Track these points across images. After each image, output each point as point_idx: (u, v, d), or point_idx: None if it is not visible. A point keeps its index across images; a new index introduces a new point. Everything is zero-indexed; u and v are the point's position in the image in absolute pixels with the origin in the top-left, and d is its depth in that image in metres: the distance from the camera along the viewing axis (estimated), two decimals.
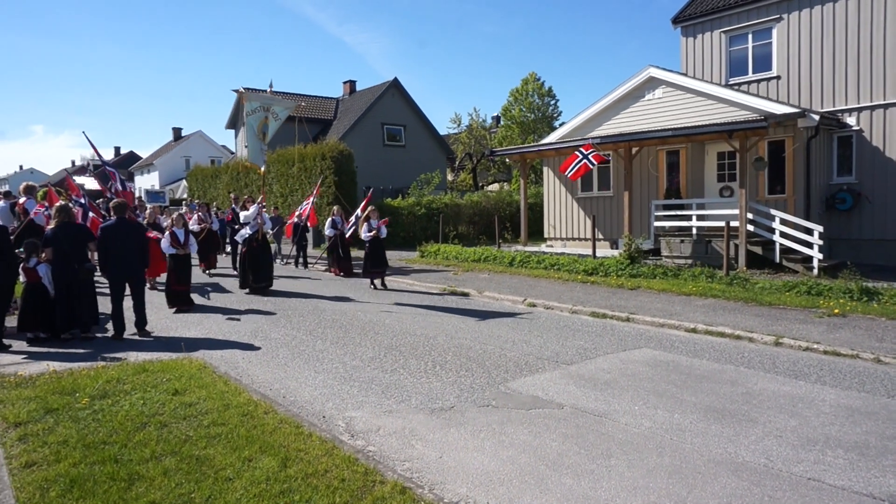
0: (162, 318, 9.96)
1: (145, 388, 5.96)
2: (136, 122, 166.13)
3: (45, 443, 4.66)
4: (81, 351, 7.81)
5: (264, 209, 13.30)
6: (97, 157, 13.10)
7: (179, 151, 58.14)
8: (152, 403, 5.53)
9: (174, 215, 11.28)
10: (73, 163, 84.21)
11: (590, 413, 5.44)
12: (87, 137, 12.87)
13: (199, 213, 16.05)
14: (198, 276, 14.51)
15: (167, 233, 10.69)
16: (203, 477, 4.08)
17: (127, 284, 8.61)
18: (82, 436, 4.77)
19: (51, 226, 8.45)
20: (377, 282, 13.33)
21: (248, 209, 12.97)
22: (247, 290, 12.40)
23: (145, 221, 12.52)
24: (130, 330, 8.68)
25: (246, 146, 13.45)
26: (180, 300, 10.66)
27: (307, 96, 36.00)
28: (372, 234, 12.92)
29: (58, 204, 8.99)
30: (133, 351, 7.75)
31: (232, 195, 17.58)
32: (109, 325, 8.75)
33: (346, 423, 5.24)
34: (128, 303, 8.63)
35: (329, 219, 15.58)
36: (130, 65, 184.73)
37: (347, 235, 14.86)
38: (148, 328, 8.78)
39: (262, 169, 12.57)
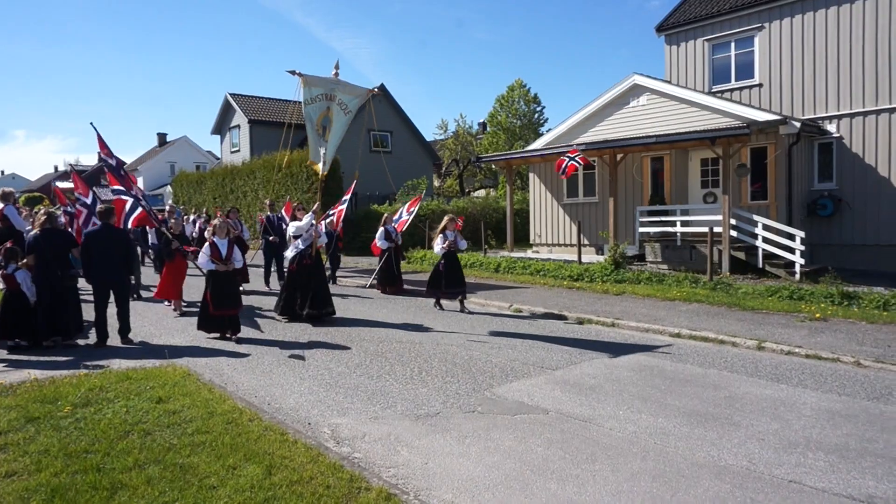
0: (146, 325, 9.87)
1: (128, 396, 5.91)
2: (120, 127, 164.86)
3: (25, 452, 4.60)
4: (64, 359, 7.72)
5: (321, 219, 11.29)
6: (106, 158, 10.42)
7: (164, 157, 57.68)
8: (136, 411, 5.48)
9: (215, 222, 9.36)
10: (55, 168, 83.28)
11: (575, 418, 5.47)
12: (95, 129, 10.15)
13: (229, 220, 13.12)
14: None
15: (206, 245, 8.82)
16: (187, 485, 4.05)
17: (111, 291, 8.52)
18: (64, 445, 4.72)
19: (33, 231, 8.37)
20: (444, 302, 11.32)
21: (298, 219, 10.75)
22: (286, 318, 10.10)
23: (171, 231, 10.75)
24: (114, 337, 8.59)
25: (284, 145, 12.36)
26: (222, 326, 8.76)
27: (293, 102, 35.89)
28: (446, 245, 10.78)
29: (41, 210, 8.92)
30: (116, 358, 7.68)
31: (267, 201, 15.17)
32: (93, 333, 8.66)
33: (332, 429, 5.23)
34: (112, 310, 8.55)
35: (381, 228, 13.26)
36: (114, 69, 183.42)
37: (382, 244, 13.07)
38: (131, 335, 8.70)
39: (322, 170, 9.89)
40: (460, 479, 4.25)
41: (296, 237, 10.02)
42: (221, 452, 4.54)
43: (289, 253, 10.10)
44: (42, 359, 7.71)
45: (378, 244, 13.23)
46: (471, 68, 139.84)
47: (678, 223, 15.32)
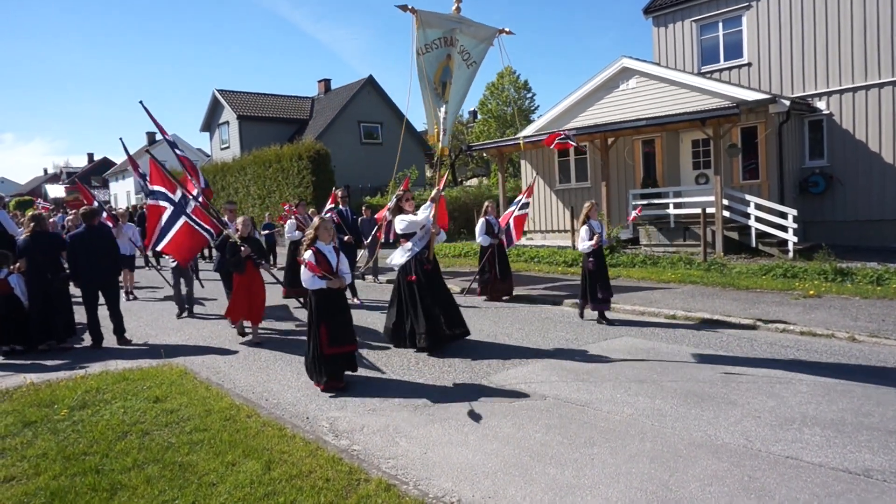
0: (141, 325, 9.84)
1: (125, 397, 5.89)
2: (109, 127, 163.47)
3: (23, 456, 4.59)
4: (59, 362, 7.70)
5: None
6: (164, 136, 8.81)
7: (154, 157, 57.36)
8: (133, 412, 5.47)
9: (317, 221, 6.34)
10: (45, 171, 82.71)
11: (572, 403, 5.48)
12: (145, 108, 8.45)
13: (298, 216, 11.37)
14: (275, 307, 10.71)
15: (308, 253, 6.04)
16: (186, 483, 4.05)
17: (100, 293, 8.47)
18: (62, 448, 4.71)
19: (24, 235, 8.31)
20: (588, 311, 8.93)
21: (404, 209, 7.64)
22: (396, 344, 7.57)
23: (237, 234, 8.05)
24: (110, 339, 8.56)
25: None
26: (337, 365, 6.15)
27: (281, 97, 35.73)
28: (595, 241, 8.57)
29: (30, 213, 8.84)
30: (112, 359, 7.65)
31: (339, 191, 12.78)
32: (87, 335, 8.62)
33: (330, 423, 5.23)
34: (105, 311, 8.51)
35: (481, 220, 10.72)
36: (101, 70, 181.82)
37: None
38: (127, 336, 8.66)
39: (441, 143, 7.22)
40: (459, 467, 4.26)
41: (406, 236, 7.41)
42: (220, 449, 4.54)
43: (398, 258, 7.45)
44: (38, 363, 7.68)
45: (479, 240, 10.88)
46: None
47: (671, 205, 15.34)
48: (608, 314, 8.76)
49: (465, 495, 3.88)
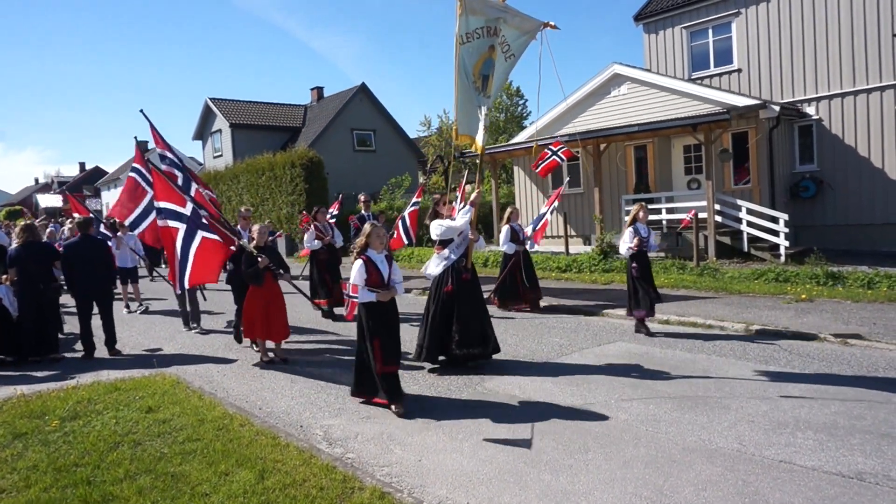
0: (133, 334, 9.78)
1: (117, 407, 5.85)
2: (100, 136, 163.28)
3: (14, 469, 4.54)
4: (50, 372, 7.63)
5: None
6: (163, 153, 8.35)
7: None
8: (125, 422, 5.43)
9: (369, 228, 5.69)
10: (36, 180, 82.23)
11: (566, 408, 5.48)
12: (146, 117, 8.22)
13: (317, 223, 10.52)
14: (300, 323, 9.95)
15: (359, 263, 5.54)
16: (179, 494, 4.02)
17: (95, 303, 8.42)
18: (53, 459, 4.66)
19: (15, 245, 8.26)
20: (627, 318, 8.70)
21: (441, 213, 7.17)
22: (431, 366, 6.98)
23: (252, 243, 7.53)
24: (101, 349, 8.50)
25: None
26: (391, 387, 5.62)
27: (274, 104, 35.73)
28: (635, 244, 8.06)
29: (22, 223, 8.79)
30: (104, 370, 7.60)
31: (361, 196, 12.46)
32: (79, 346, 8.57)
33: (324, 431, 5.21)
34: (98, 322, 8.46)
35: (504, 227, 10.28)
36: (93, 78, 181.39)
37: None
38: (118, 346, 8.60)
39: (479, 141, 6.68)
40: (454, 475, 4.25)
41: (442, 243, 6.84)
42: (213, 459, 4.51)
43: (433, 267, 6.78)
44: (28, 374, 7.61)
45: (503, 248, 10.36)
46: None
47: (663, 210, 15.41)
48: (648, 323, 8.28)
49: (460, 502, 3.87)
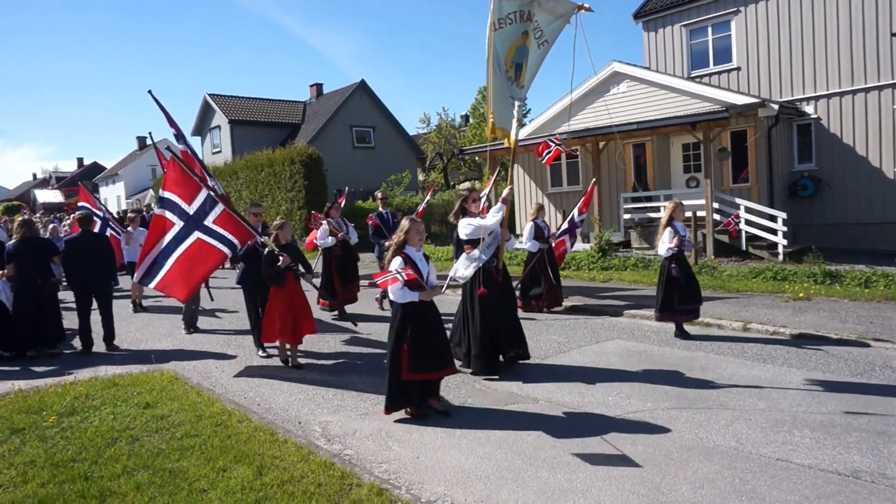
0: (132, 330, 9.78)
1: (115, 403, 5.85)
2: (99, 132, 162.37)
3: (11, 464, 4.54)
4: (48, 368, 7.63)
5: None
6: (175, 131, 8.40)
7: (145, 160, 56.99)
8: (123, 418, 5.43)
9: (407, 223, 5.37)
10: (34, 176, 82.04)
11: (564, 406, 5.49)
12: (154, 98, 7.94)
13: (330, 220, 9.93)
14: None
15: (398, 260, 5.15)
16: (177, 490, 4.02)
17: (94, 298, 8.42)
18: (50, 454, 4.67)
19: (14, 240, 8.25)
20: (661, 322, 8.22)
21: (470, 211, 6.60)
22: (481, 376, 6.47)
23: (271, 238, 7.08)
24: (99, 345, 8.49)
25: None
26: (423, 396, 5.38)
27: (273, 101, 35.68)
28: (675, 244, 7.58)
29: (20, 218, 8.79)
30: (102, 365, 7.60)
31: (378, 193, 12.15)
32: (77, 341, 8.56)
33: (322, 427, 5.22)
34: (96, 317, 8.45)
35: (528, 224, 9.83)
36: (91, 74, 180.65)
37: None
38: (116, 342, 8.61)
39: (513, 135, 6.45)
40: (452, 471, 4.26)
41: (470, 243, 6.31)
42: (211, 455, 4.51)
43: (463, 269, 6.04)
44: (26, 369, 7.62)
45: (527, 246, 9.87)
46: (452, 61, 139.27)
47: (662, 208, 15.40)
48: (686, 326, 7.91)
49: (458, 499, 3.88)
